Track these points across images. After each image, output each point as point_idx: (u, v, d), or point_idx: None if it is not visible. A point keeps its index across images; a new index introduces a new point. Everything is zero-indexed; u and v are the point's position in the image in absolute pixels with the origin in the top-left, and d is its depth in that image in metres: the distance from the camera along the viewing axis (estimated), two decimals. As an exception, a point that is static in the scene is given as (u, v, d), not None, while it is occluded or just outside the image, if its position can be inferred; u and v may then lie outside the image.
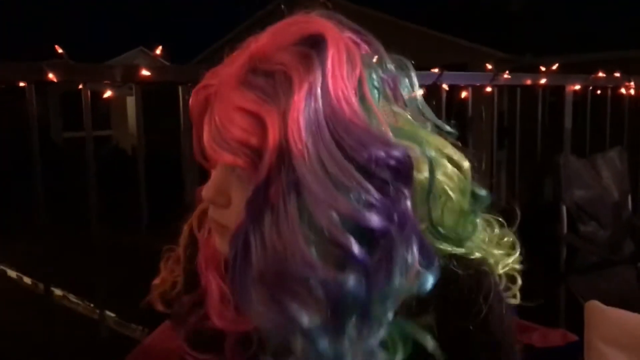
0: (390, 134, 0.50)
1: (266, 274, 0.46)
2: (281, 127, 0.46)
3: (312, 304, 0.46)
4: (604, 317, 1.25)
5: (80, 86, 1.36)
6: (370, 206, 0.46)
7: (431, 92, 1.94)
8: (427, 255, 0.50)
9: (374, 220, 0.46)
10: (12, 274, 4.82)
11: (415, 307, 0.52)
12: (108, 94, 1.48)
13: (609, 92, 2.57)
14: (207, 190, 0.54)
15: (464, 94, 2.09)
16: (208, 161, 0.55)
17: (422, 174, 0.53)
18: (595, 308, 1.27)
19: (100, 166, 1.51)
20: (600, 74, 2.51)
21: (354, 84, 0.49)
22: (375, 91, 0.52)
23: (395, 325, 0.50)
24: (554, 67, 2.31)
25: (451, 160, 0.58)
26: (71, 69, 1.31)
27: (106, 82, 1.40)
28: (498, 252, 0.63)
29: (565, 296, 2.20)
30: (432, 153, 0.54)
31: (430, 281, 0.50)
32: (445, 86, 1.93)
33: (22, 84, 1.27)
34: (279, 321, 0.47)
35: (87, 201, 1.46)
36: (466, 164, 0.60)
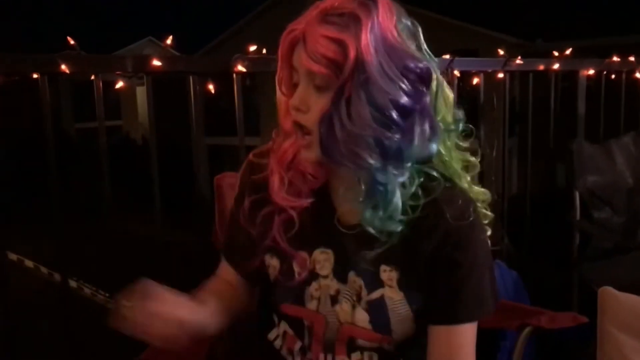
0: (416, 54, 0.77)
1: (344, 139, 0.74)
2: (357, 46, 0.71)
3: (372, 153, 0.74)
4: (617, 303, 1.24)
5: (92, 77, 1.36)
6: (405, 93, 0.74)
7: (443, 77, 1.92)
8: (434, 132, 0.79)
9: (406, 101, 0.74)
10: (29, 263, 4.89)
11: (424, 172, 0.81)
12: (120, 84, 1.49)
13: (624, 76, 2.53)
14: (294, 100, 0.78)
15: (475, 80, 2.07)
16: (283, 87, 0.82)
17: (432, 88, 0.79)
18: (608, 294, 1.26)
19: (111, 156, 1.52)
20: (615, 58, 2.47)
21: (394, 24, 0.75)
22: (405, 30, 0.77)
23: (413, 170, 0.79)
24: (568, 51, 2.28)
25: (444, 89, 0.83)
26: (83, 60, 1.31)
27: (117, 72, 1.41)
28: (478, 187, 0.88)
29: (578, 283, 2.19)
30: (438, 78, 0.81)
31: (434, 148, 0.80)
32: (456, 72, 1.92)
33: (35, 76, 1.28)
34: (353, 166, 0.76)
35: (99, 191, 1.47)
36: (451, 95, 0.85)
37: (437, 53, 1.99)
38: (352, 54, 0.71)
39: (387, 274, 0.83)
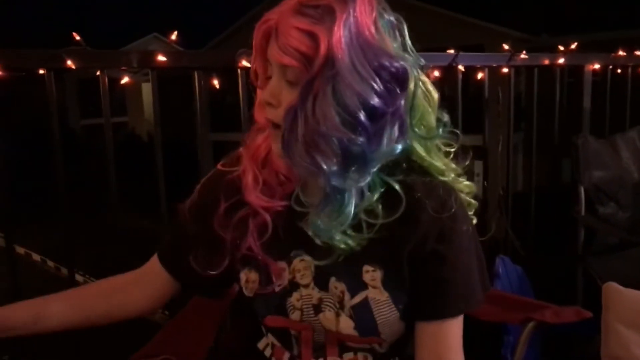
0: (394, 52, 0.73)
1: (305, 136, 0.70)
2: (329, 40, 0.68)
3: (332, 156, 0.71)
4: (622, 299, 1.24)
5: (98, 73, 1.37)
6: (377, 94, 0.71)
7: (447, 73, 1.92)
8: (402, 133, 0.76)
9: (377, 102, 0.71)
10: (37, 257, 4.93)
11: (390, 168, 0.78)
12: (125, 80, 1.49)
13: (630, 71, 2.51)
14: (265, 94, 0.75)
15: (480, 75, 2.06)
16: (258, 80, 0.79)
17: (410, 88, 0.76)
18: (613, 290, 1.26)
19: (117, 152, 1.53)
20: (621, 53, 2.46)
21: (372, 19, 0.72)
22: (386, 28, 0.74)
23: (377, 175, 0.77)
24: (573, 46, 2.27)
25: (427, 89, 0.81)
26: (89, 55, 1.32)
27: (123, 68, 1.41)
28: (462, 182, 0.85)
29: (583, 278, 2.19)
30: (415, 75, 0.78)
31: (398, 149, 0.76)
32: (461, 67, 1.91)
33: (41, 71, 1.29)
34: (310, 167, 0.72)
35: (104, 187, 1.48)
36: (436, 95, 0.82)
37: (442, 48, 1.99)
38: (322, 48, 0.68)
39: (370, 274, 0.80)
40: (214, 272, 0.86)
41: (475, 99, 2.17)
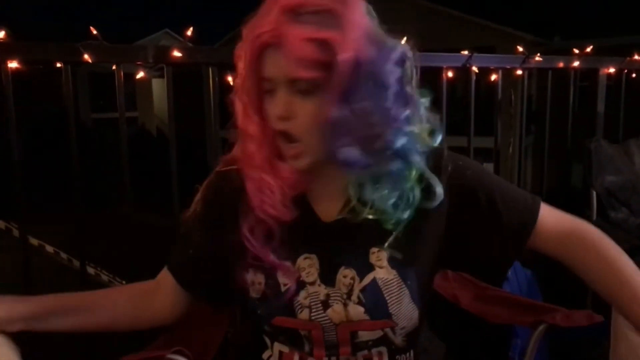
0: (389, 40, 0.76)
1: (353, 138, 0.73)
2: (347, 43, 0.69)
3: (385, 145, 0.75)
4: (633, 304, 1.23)
5: (114, 67, 1.38)
6: (397, 81, 0.74)
7: (460, 74, 1.91)
8: (433, 117, 0.81)
9: (399, 89, 0.75)
10: (50, 249, 4.97)
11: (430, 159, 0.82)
12: (140, 75, 1.50)
13: (645, 75, 2.49)
14: (277, 109, 0.74)
15: (493, 77, 2.06)
16: (251, 99, 0.77)
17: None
18: (624, 294, 1.25)
19: (128, 147, 1.54)
20: (636, 57, 2.44)
21: (366, 13, 0.74)
22: (373, 18, 0.76)
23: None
24: (588, 49, 2.25)
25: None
26: (105, 50, 1.33)
27: (138, 63, 1.42)
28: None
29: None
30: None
31: (439, 138, 0.82)
32: (475, 68, 1.91)
33: (58, 65, 1.30)
34: (371, 160, 0.75)
35: (115, 180, 1.48)
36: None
37: (454, 49, 1.98)
38: (341, 53, 0.69)
39: (376, 254, 0.81)
40: (224, 282, 0.87)
41: (486, 100, 2.16)
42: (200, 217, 0.89)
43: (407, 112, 0.76)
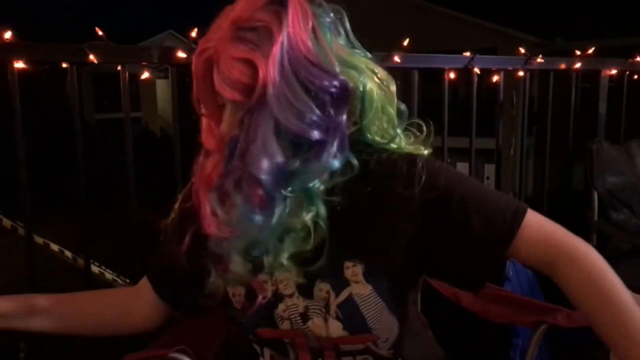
0: (336, 65, 0.71)
1: (242, 163, 0.68)
2: (265, 67, 0.65)
3: (270, 181, 0.67)
4: (634, 305, 1.24)
5: (119, 67, 1.39)
6: (312, 124, 0.68)
7: (462, 75, 1.92)
8: (342, 149, 0.72)
9: (315, 134, 0.68)
10: (55, 247, 4.98)
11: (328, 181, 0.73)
12: (145, 75, 1.52)
13: (646, 77, 2.49)
14: (223, 128, 0.73)
15: (495, 78, 2.06)
16: (210, 112, 0.74)
17: (358, 91, 0.74)
18: (625, 295, 1.26)
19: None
20: (638, 58, 2.44)
21: (309, 30, 0.68)
22: (327, 30, 0.71)
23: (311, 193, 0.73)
24: (590, 51, 2.26)
25: (382, 81, 0.78)
26: (111, 50, 1.34)
27: (143, 63, 1.43)
28: (425, 149, 0.82)
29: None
30: (367, 78, 0.75)
31: (336, 165, 0.72)
32: (477, 70, 1.91)
33: (64, 65, 1.32)
34: (249, 192, 0.68)
35: (119, 181, 1.49)
36: (393, 87, 0.79)
37: (456, 50, 1.98)
38: (260, 75, 0.65)
39: (351, 269, 0.78)
40: (202, 293, 0.84)
41: (488, 102, 2.17)
42: (175, 227, 0.87)
43: (324, 147, 0.69)
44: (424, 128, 0.84)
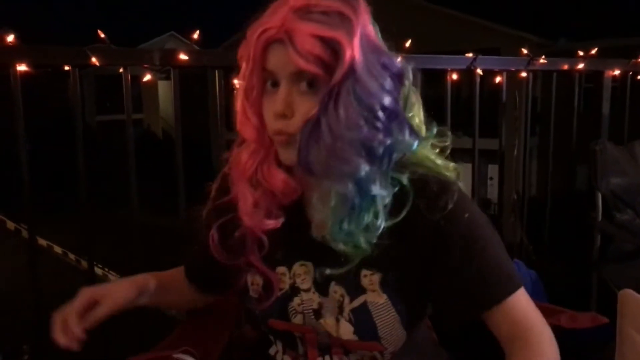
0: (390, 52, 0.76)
1: (329, 144, 0.69)
2: (352, 47, 0.69)
3: (356, 159, 0.71)
4: (638, 306, 1.23)
5: (121, 70, 1.40)
6: (388, 93, 0.73)
7: (464, 76, 1.92)
8: (413, 133, 0.76)
9: (390, 101, 0.73)
10: (58, 249, 5.00)
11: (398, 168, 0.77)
12: (147, 77, 1.52)
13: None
14: (278, 106, 0.72)
15: (498, 79, 2.06)
16: (255, 98, 0.75)
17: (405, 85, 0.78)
18: (629, 297, 1.25)
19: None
20: (641, 59, 2.43)
21: (370, 22, 0.74)
22: (376, 28, 0.76)
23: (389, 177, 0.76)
24: (593, 51, 2.25)
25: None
26: (112, 53, 1.35)
27: (145, 65, 1.44)
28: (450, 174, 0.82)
29: (598, 284, 2.17)
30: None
31: (415, 145, 0.77)
32: (479, 71, 1.91)
33: (67, 68, 1.32)
34: (334, 172, 0.71)
35: (120, 183, 1.50)
36: (415, 97, 0.81)
37: (459, 51, 1.98)
38: (346, 54, 0.68)
39: (368, 278, 0.79)
40: (229, 279, 0.89)
41: (490, 102, 2.16)
42: (207, 215, 0.90)
43: (383, 138, 0.72)
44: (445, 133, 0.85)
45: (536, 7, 12.59)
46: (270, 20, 0.71)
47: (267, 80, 0.74)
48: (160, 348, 0.96)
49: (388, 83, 0.73)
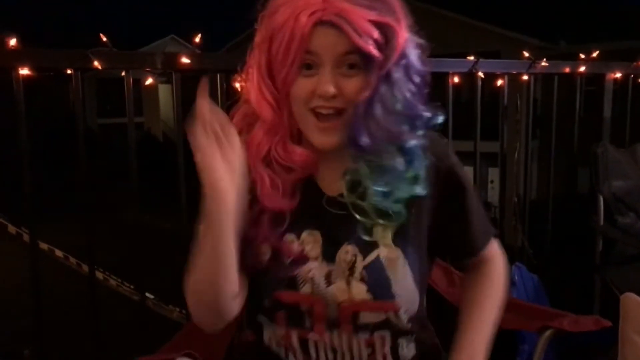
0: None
1: (384, 119, 0.77)
2: (403, 31, 0.77)
3: (408, 129, 0.80)
4: (641, 310, 1.23)
5: (123, 73, 1.40)
6: (423, 81, 0.82)
7: (465, 79, 1.92)
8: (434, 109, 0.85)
9: (427, 77, 0.83)
10: (59, 253, 5.00)
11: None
12: (149, 81, 1.52)
13: (651, 80, 2.48)
14: (328, 87, 0.76)
15: (499, 82, 2.06)
16: (292, 76, 0.77)
17: None
18: (631, 300, 1.25)
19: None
20: (643, 62, 2.43)
21: None
22: None
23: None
24: (595, 54, 2.25)
25: None
26: (114, 56, 1.35)
27: (147, 69, 1.44)
28: None
29: (600, 288, 2.17)
30: None
31: (439, 119, 0.85)
32: (481, 74, 1.91)
33: (69, 71, 1.32)
34: (385, 146, 0.80)
35: (121, 185, 1.50)
36: None
37: (459, 54, 1.98)
38: (400, 38, 0.76)
39: (381, 231, 0.82)
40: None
41: (491, 105, 2.16)
42: None
43: (428, 114, 0.82)
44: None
45: (537, 10, 12.59)
46: (313, 4, 0.73)
47: (304, 61, 0.76)
48: (162, 351, 0.96)
49: (422, 70, 0.81)
